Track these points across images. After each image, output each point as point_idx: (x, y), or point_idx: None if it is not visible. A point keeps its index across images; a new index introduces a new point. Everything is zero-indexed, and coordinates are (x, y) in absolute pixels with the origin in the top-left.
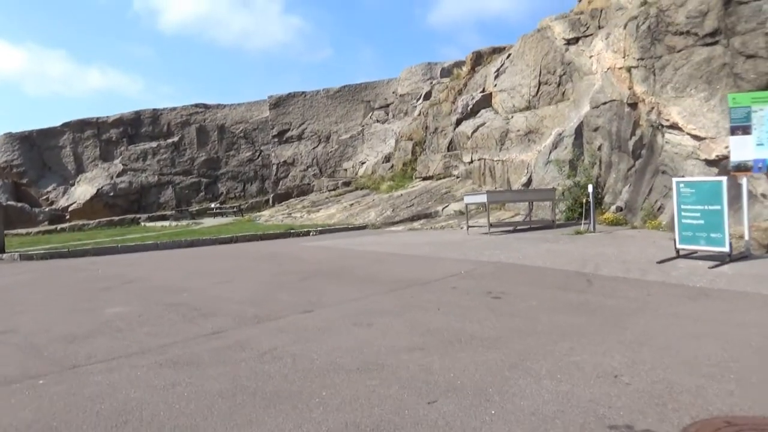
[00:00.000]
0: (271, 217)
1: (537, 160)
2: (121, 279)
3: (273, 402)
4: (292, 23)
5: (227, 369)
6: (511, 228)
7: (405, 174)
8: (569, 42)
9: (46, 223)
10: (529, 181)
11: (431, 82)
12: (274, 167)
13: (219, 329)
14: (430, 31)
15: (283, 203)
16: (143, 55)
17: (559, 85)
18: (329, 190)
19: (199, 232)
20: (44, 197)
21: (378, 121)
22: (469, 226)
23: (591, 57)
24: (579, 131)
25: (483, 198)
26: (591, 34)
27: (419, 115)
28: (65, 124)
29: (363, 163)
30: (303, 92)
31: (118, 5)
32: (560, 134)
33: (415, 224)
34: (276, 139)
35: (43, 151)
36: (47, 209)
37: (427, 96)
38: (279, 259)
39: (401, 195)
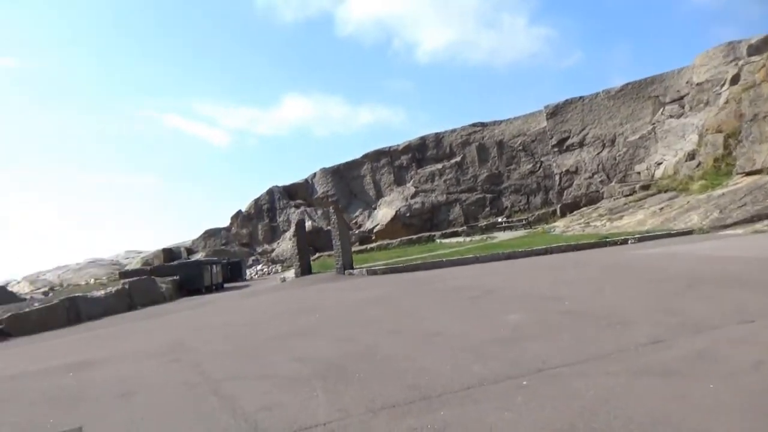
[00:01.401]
0: (567, 227)
1: None
2: (479, 289)
3: None
4: (539, 33)
5: (727, 381)
6: None
7: (718, 171)
8: None
9: (357, 243)
10: None
11: (737, 64)
12: (557, 177)
13: (656, 338)
14: (697, 10)
15: (574, 213)
16: (403, 88)
17: None
18: (624, 196)
19: (503, 246)
20: (353, 221)
21: (672, 116)
22: None
23: None
24: None
25: None
26: None
27: (727, 102)
28: (365, 156)
29: (660, 164)
30: (581, 97)
31: (380, 46)
32: None
33: (758, 225)
34: (556, 149)
35: (349, 181)
36: (357, 231)
37: (735, 80)
38: (634, 268)
39: (723, 194)
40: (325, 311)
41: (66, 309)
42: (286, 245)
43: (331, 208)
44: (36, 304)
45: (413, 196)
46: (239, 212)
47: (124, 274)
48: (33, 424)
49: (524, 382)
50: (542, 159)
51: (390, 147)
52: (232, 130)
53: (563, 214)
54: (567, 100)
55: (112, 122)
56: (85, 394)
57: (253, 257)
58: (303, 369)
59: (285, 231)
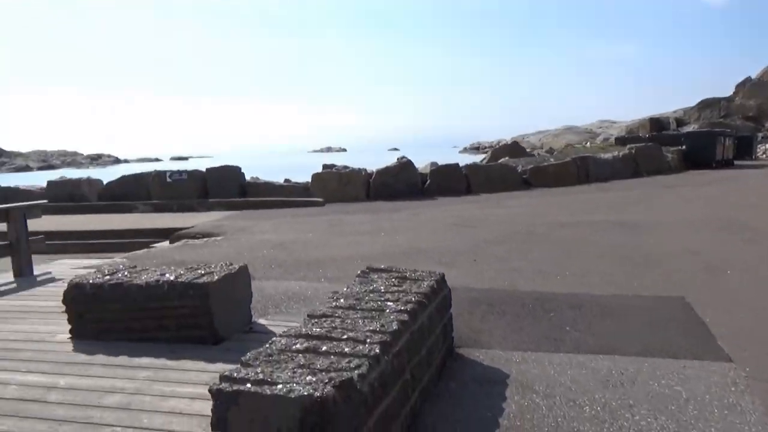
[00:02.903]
0: None
1: None
2: None
3: None
4: None
5: None
6: None
7: None
8: None
9: None
10: None
11: None
12: None
13: None
14: None
15: None
16: None
17: None
18: None
19: None
20: None
21: None
22: None
23: None
24: None
25: None
26: None
27: None
28: None
29: None
30: None
31: None
32: None
33: None
34: None
35: None
36: None
37: None
38: None
39: None
40: None
41: (577, 167)
42: None
43: None
44: (551, 160)
45: None
46: (747, 79)
47: (623, 140)
48: None
49: None
50: None
51: None
52: None
53: None
54: None
55: None
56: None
57: (761, 134)
58: None
59: None
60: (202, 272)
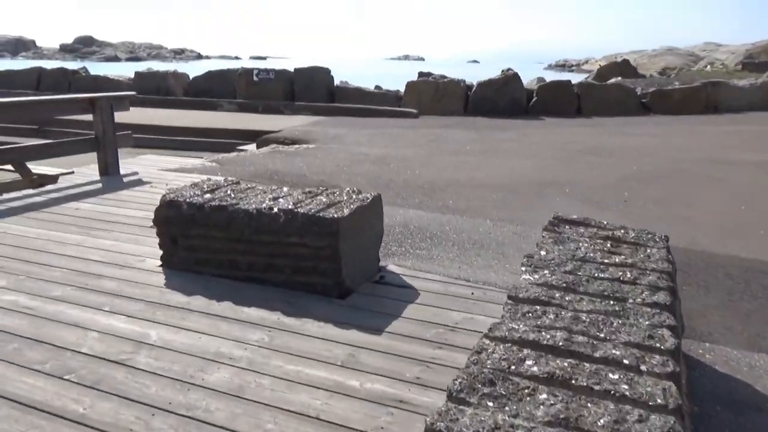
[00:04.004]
0: None
1: None
2: None
3: None
4: None
5: None
6: None
7: None
8: None
9: None
10: None
11: None
12: None
13: None
14: None
15: None
16: None
17: None
18: None
19: None
20: None
21: None
22: None
23: None
24: None
25: None
26: None
27: None
28: None
29: None
30: None
31: None
32: None
33: None
34: None
35: None
36: None
37: None
38: None
39: None
40: None
41: (707, 94)
42: None
43: None
44: (676, 83)
45: None
46: None
47: (754, 66)
48: None
49: None
50: None
51: None
52: None
53: None
54: None
55: None
56: None
57: None
58: None
59: None
60: (325, 200)
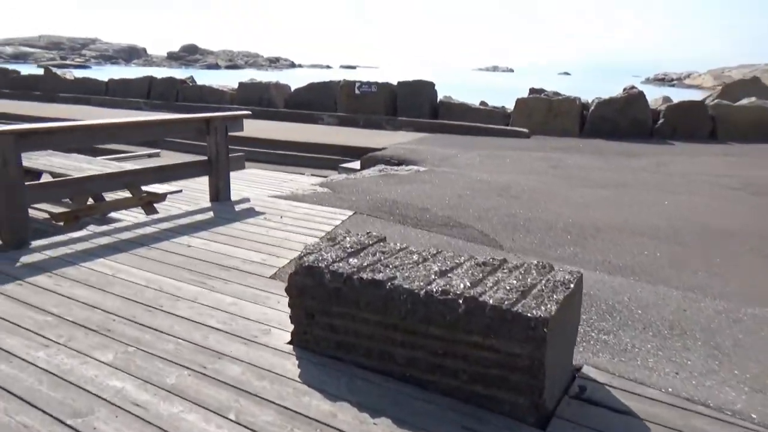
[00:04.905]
0: None
1: None
2: None
3: None
4: None
5: None
6: None
7: None
8: None
9: None
10: None
11: None
12: None
13: None
14: None
15: None
16: None
17: None
18: None
19: None
20: None
21: None
22: None
23: None
24: None
25: None
26: None
27: None
28: None
29: None
30: None
31: None
32: None
33: None
34: None
35: None
36: None
37: None
38: None
39: None
40: None
41: None
42: None
43: None
44: None
45: None
46: None
47: None
48: None
49: None
50: None
51: None
52: None
53: None
54: None
55: None
56: None
57: None
58: None
59: None
60: (515, 283)
